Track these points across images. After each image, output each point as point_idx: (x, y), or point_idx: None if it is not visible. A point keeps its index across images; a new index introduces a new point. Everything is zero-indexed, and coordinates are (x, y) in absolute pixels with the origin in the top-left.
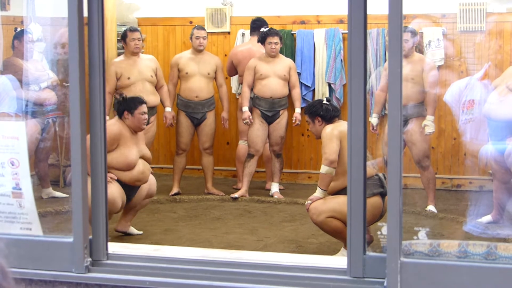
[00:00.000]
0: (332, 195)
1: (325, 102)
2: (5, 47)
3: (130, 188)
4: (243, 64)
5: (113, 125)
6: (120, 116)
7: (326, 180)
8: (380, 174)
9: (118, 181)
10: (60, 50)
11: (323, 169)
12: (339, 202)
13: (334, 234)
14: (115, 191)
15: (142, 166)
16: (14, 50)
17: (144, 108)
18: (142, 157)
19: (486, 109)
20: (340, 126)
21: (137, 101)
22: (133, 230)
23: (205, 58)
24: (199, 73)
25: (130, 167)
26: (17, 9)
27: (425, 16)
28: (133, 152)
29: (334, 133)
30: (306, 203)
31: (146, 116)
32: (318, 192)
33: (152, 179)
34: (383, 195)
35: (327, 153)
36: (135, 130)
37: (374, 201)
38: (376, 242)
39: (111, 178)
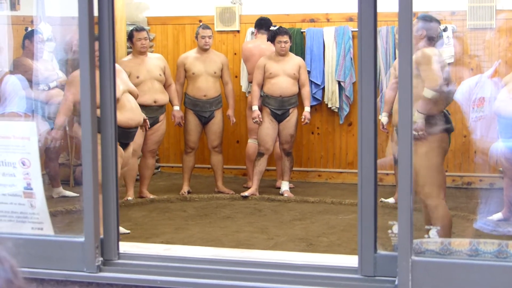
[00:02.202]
0: None
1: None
2: (15, 47)
3: (126, 135)
4: (252, 61)
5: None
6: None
7: (429, 105)
8: (445, 110)
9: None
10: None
11: (429, 93)
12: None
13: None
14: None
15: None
16: (24, 50)
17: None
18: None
19: (496, 107)
20: (436, 50)
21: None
22: (121, 229)
23: (211, 57)
24: (206, 73)
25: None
26: (27, 8)
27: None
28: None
29: (434, 56)
30: (416, 134)
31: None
32: (419, 117)
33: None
34: (449, 131)
35: (436, 74)
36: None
37: (444, 137)
38: (386, 241)
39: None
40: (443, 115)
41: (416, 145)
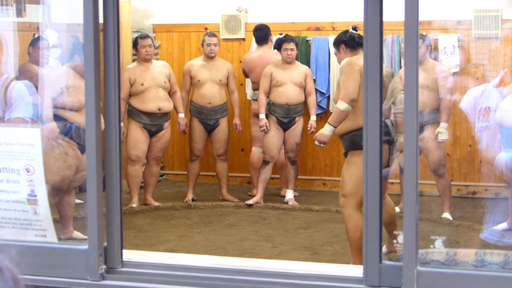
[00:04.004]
0: (346, 135)
1: (351, 30)
2: (21, 54)
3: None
4: (255, 71)
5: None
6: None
7: (341, 117)
8: (387, 121)
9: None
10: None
11: (342, 105)
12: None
13: (353, 235)
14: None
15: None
16: (30, 56)
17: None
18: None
19: (498, 116)
20: (361, 60)
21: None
22: None
23: (217, 64)
24: (211, 80)
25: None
26: (33, 15)
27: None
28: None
29: (355, 68)
30: (315, 143)
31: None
32: (328, 129)
33: None
34: (389, 142)
35: (348, 89)
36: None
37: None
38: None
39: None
40: (383, 125)
41: (353, 155)
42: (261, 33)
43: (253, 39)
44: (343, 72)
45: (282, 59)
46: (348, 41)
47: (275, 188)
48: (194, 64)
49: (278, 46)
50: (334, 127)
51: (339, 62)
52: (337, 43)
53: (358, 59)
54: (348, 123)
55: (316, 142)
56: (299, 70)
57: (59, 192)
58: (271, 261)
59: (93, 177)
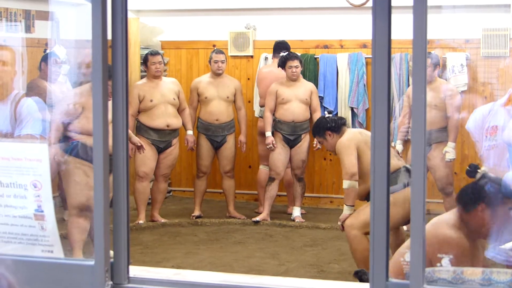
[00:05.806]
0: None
1: (327, 115)
2: (29, 70)
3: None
4: (262, 85)
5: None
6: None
7: (351, 195)
8: (408, 165)
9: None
10: (85, 71)
11: (345, 184)
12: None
13: (360, 256)
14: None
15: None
16: (40, 72)
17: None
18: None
19: (506, 135)
20: (351, 134)
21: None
22: None
23: (224, 81)
24: (218, 97)
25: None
26: (42, 31)
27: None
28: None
29: (349, 144)
30: (338, 224)
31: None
32: (346, 210)
33: None
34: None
35: (346, 167)
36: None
37: (408, 193)
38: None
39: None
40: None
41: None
42: (281, 45)
43: (261, 56)
44: (339, 152)
45: (287, 76)
46: (333, 127)
47: (282, 205)
48: (201, 81)
49: (282, 64)
50: (351, 205)
51: (329, 148)
52: (322, 132)
53: (349, 135)
54: (362, 187)
55: (339, 223)
56: (304, 87)
57: (89, 213)
58: (278, 278)
59: (100, 194)
